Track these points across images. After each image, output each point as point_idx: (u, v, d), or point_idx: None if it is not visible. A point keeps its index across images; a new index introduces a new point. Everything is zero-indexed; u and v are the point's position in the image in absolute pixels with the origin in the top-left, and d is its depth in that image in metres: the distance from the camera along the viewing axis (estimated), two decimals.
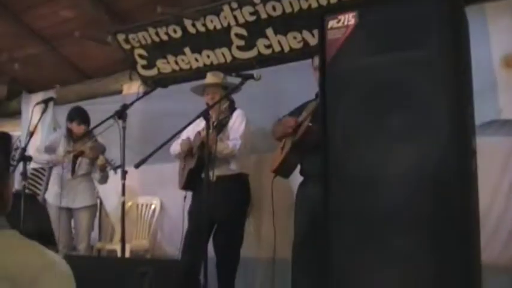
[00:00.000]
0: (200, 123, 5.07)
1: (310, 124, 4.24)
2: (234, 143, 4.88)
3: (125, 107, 4.57)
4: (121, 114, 4.55)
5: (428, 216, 2.55)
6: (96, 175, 5.72)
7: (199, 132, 4.99)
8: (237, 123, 4.99)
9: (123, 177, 4.52)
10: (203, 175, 4.97)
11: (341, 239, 2.75)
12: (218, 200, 4.52)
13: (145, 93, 4.97)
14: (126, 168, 4.50)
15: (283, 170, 4.53)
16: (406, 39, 2.65)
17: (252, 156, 5.78)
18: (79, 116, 5.78)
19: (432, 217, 2.54)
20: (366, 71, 2.72)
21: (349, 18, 2.76)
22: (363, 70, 2.73)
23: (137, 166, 3.99)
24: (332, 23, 2.80)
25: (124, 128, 4.53)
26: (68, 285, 1.36)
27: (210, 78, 5.19)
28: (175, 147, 5.25)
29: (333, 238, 2.77)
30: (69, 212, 5.76)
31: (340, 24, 2.79)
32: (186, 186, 5.16)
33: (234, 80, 4.51)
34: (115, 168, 5.29)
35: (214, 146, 4.64)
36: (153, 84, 5.74)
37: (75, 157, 5.71)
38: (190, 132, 5.14)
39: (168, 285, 3.16)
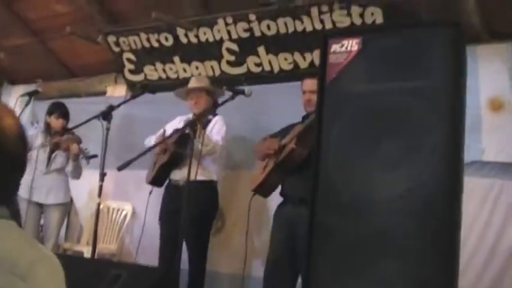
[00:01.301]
0: (181, 123, 5.08)
1: (294, 146, 4.25)
2: (216, 139, 4.84)
3: (111, 108, 4.53)
4: (106, 115, 4.52)
5: (414, 243, 2.57)
6: (69, 167, 5.64)
7: (176, 129, 4.94)
8: (217, 127, 4.95)
9: (102, 179, 4.48)
10: (172, 177, 4.99)
11: (325, 261, 2.75)
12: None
13: (133, 97, 4.94)
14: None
15: (264, 190, 4.52)
16: (407, 69, 2.68)
17: (227, 171, 5.80)
18: (58, 109, 5.72)
19: (418, 244, 2.57)
20: (364, 98, 2.75)
21: (352, 44, 2.79)
22: (361, 96, 2.76)
23: (120, 169, 3.97)
24: (335, 47, 2.83)
25: (108, 129, 4.49)
26: (61, 278, 1.35)
27: (195, 82, 5.16)
28: (151, 142, 5.20)
29: (317, 260, 2.76)
30: (40, 207, 5.66)
31: (343, 49, 2.81)
32: (153, 181, 5.12)
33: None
34: (88, 158, 5.25)
35: (199, 139, 4.61)
36: (140, 88, 5.72)
37: (51, 151, 5.65)
38: (168, 130, 5.15)
39: None
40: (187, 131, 4.53)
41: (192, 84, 5.15)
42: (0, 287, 1.22)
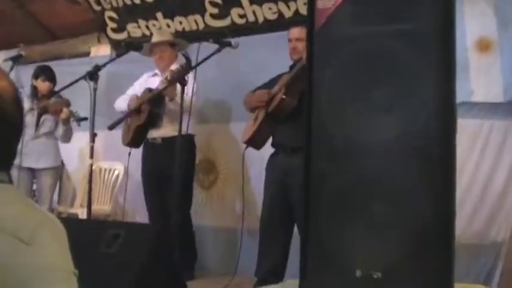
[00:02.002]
0: (148, 80, 5.06)
1: (283, 96, 4.25)
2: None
3: (97, 68, 4.49)
4: (93, 75, 4.48)
5: (409, 186, 2.58)
6: (59, 130, 5.58)
7: (149, 89, 4.90)
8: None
9: (92, 140, 4.47)
10: (148, 135, 4.97)
11: (322, 208, 2.76)
12: (165, 161, 4.65)
13: (118, 55, 4.89)
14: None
15: (256, 142, 4.53)
16: (397, 11, 2.65)
17: (217, 124, 5.81)
18: (45, 72, 5.67)
19: (413, 187, 2.58)
20: (355, 42, 2.72)
21: None
22: (352, 40, 2.73)
23: (111, 128, 3.96)
24: None
25: (95, 89, 4.47)
26: (64, 241, 1.34)
27: (157, 36, 5.12)
28: (122, 103, 5.16)
29: (314, 208, 2.77)
30: (31, 172, 5.64)
31: None
32: (131, 143, 5.11)
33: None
34: (79, 120, 5.22)
35: (173, 100, 4.61)
36: (125, 46, 5.65)
37: (39, 115, 5.60)
38: (137, 89, 5.13)
39: (140, 249, 3.14)
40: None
41: (154, 39, 5.11)
42: (4, 251, 1.21)
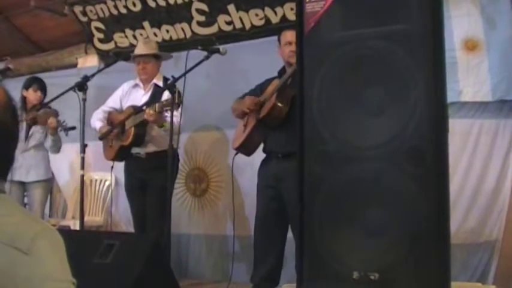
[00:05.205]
0: (130, 92, 5.03)
1: (275, 101, 4.23)
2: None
3: (86, 79, 4.47)
4: (81, 86, 4.46)
5: (403, 188, 2.59)
6: (48, 141, 5.53)
7: (133, 107, 4.82)
8: None
9: (83, 150, 4.45)
10: (133, 151, 4.96)
11: (315, 210, 2.76)
12: (147, 174, 4.80)
13: (108, 65, 4.86)
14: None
15: (247, 148, 4.50)
16: (385, 13, 2.67)
17: (206, 132, 5.80)
18: (37, 82, 5.62)
19: (407, 188, 2.58)
20: (344, 45, 2.73)
21: None
22: (341, 43, 2.74)
23: (102, 138, 3.92)
24: None
25: (84, 100, 4.45)
26: (62, 251, 1.33)
27: (142, 48, 5.06)
28: (97, 123, 5.11)
29: (308, 211, 2.77)
30: (23, 186, 5.59)
31: None
32: (115, 158, 5.09)
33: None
34: (67, 130, 5.17)
35: (156, 126, 4.67)
36: (114, 56, 5.62)
37: (29, 127, 5.55)
38: (117, 102, 5.10)
39: (135, 258, 3.12)
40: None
41: (139, 50, 5.04)
42: (2, 261, 1.20)
